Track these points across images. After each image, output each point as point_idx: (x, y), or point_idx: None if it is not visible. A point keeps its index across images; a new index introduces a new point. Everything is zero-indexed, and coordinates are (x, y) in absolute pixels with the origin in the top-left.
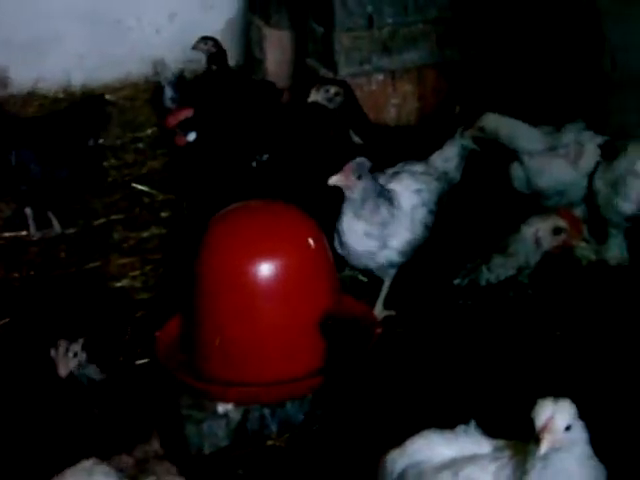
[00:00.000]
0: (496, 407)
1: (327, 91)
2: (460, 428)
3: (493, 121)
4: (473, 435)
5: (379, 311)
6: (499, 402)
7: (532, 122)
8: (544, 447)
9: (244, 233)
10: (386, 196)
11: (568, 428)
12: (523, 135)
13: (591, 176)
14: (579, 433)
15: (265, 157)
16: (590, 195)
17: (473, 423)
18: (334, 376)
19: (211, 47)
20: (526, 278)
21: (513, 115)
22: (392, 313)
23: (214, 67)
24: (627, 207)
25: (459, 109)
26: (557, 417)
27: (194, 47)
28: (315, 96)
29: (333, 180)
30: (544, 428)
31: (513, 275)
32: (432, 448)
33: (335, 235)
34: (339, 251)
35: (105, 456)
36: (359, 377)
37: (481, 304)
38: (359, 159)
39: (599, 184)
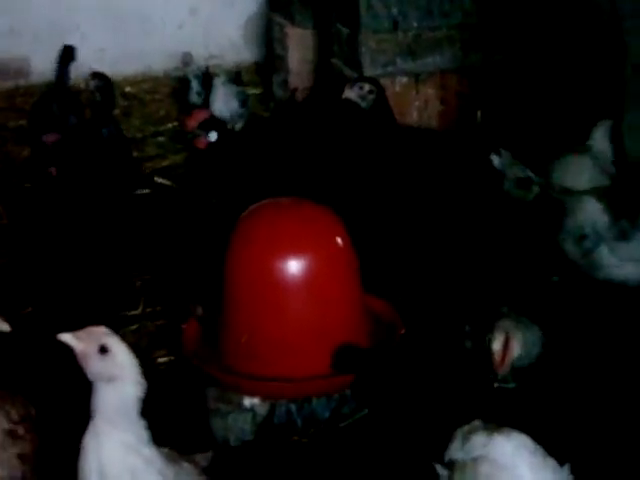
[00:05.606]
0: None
1: (361, 88)
2: (552, 462)
3: None
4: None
5: None
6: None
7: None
8: None
9: (273, 230)
10: None
11: None
12: None
13: None
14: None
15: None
16: None
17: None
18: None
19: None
20: None
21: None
22: None
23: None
24: None
25: (481, 114)
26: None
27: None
28: (349, 93)
29: None
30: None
31: None
32: (515, 463)
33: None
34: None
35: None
36: (386, 377)
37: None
38: None
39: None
